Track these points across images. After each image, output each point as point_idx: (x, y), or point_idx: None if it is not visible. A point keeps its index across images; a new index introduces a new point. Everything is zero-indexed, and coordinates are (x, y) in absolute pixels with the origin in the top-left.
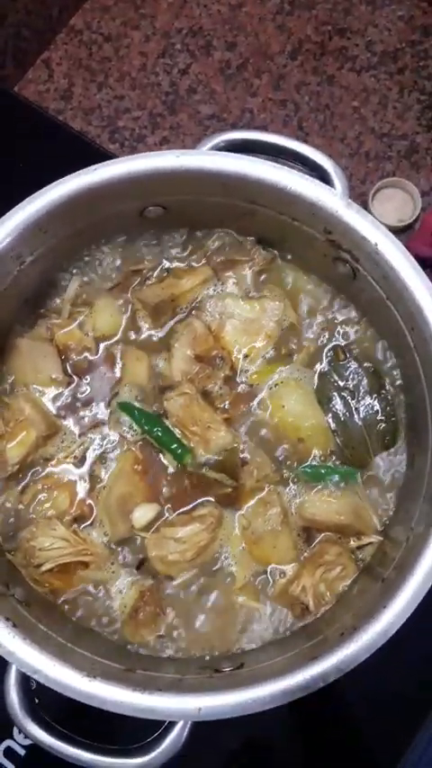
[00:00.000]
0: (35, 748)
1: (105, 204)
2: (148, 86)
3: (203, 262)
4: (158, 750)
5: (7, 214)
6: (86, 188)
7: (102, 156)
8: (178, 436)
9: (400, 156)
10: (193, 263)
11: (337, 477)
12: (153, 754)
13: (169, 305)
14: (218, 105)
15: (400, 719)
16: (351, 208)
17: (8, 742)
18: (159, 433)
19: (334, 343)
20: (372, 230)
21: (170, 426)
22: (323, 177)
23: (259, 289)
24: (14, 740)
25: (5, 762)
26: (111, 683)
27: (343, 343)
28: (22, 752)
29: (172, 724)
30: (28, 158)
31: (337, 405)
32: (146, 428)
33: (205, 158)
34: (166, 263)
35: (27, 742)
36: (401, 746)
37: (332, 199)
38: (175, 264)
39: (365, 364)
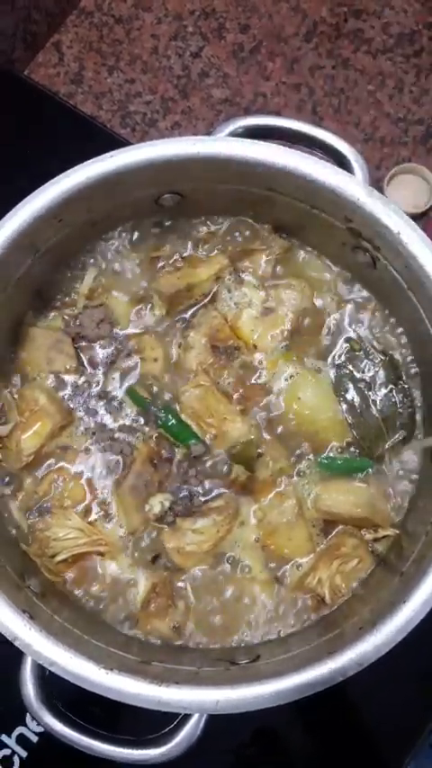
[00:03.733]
0: (47, 735)
1: (121, 192)
2: (159, 70)
3: (220, 250)
4: (174, 742)
5: (21, 203)
6: (102, 176)
7: (114, 141)
8: (193, 428)
9: (416, 141)
10: (210, 252)
11: (353, 470)
12: (169, 746)
13: (185, 295)
14: (230, 89)
15: (408, 713)
16: (373, 195)
17: (21, 729)
18: (173, 425)
19: (351, 334)
20: (394, 219)
21: (185, 418)
22: (341, 163)
23: (276, 278)
24: (27, 727)
25: (18, 749)
26: (128, 675)
27: (361, 333)
28: (34, 739)
29: (187, 716)
30: (39, 143)
31: (354, 396)
32: (160, 421)
33: (223, 145)
34: (182, 252)
35: (39, 729)
36: (408, 741)
37: (354, 186)
38: (191, 253)
39: (381, 355)
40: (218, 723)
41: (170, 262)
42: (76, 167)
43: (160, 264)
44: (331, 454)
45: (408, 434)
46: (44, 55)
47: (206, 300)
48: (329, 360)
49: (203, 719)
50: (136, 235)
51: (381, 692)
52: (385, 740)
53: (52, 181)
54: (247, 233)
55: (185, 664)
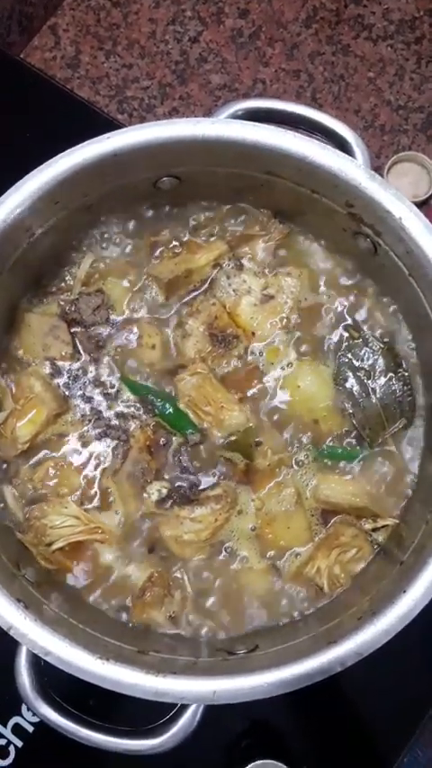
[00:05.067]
0: (43, 725)
1: (118, 174)
2: (157, 55)
3: (218, 236)
4: (171, 732)
5: (17, 184)
6: (99, 157)
7: (111, 126)
8: (190, 416)
9: (416, 129)
10: (208, 238)
11: (352, 459)
12: (165, 737)
13: (183, 281)
14: (229, 75)
15: (406, 704)
16: (375, 180)
17: (16, 719)
18: (170, 414)
19: (350, 321)
20: (397, 204)
21: (182, 407)
22: (342, 148)
23: (275, 264)
24: (23, 717)
25: (14, 738)
26: (124, 665)
27: (360, 320)
28: (30, 728)
29: (184, 706)
30: (35, 128)
31: (353, 385)
32: (156, 409)
33: (224, 127)
34: (181, 237)
35: (35, 719)
36: (406, 732)
37: (356, 170)
38: (189, 238)
39: (381, 343)
40: (214, 713)
41: (168, 247)
42: (72, 149)
43: (158, 250)
44: (330, 443)
45: (408, 422)
46: (40, 38)
47: (205, 287)
48: (329, 348)
49: (201, 710)
50: (133, 220)
51: (378, 683)
52: (382, 730)
53: (48, 162)
54: (246, 218)
55: (182, 654)
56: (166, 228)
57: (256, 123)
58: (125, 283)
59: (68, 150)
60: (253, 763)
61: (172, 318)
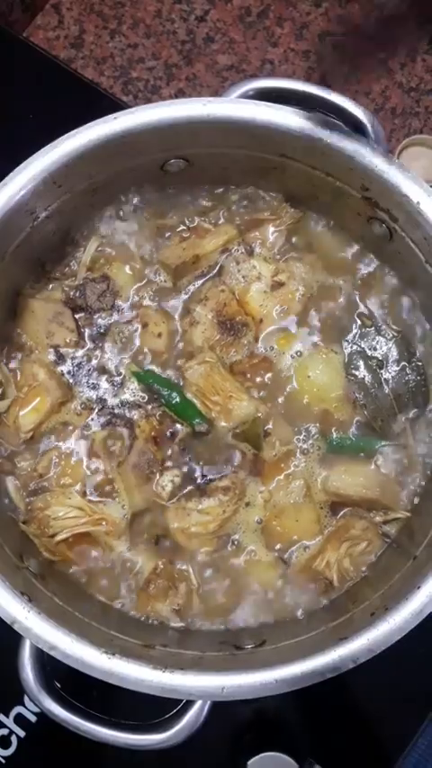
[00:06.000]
0: (46, 716)
1: (125, 156)
2: (163, 34)
3: (227, 220)
4: (178, 727)
5: (20, 166)
6: (106, 138)
7: (116, 108)
8: (198, 406)
9: (428, 111)
10: (216, 222)
11: (363, 450)
12: (172, 732)
13: (191, 266)
14: (236, 56)
15: (413, 695)
16: (392, 163)
17: (19, 708)
18: (177, 403)
19: (362, 309)
20: (414, 188)
21: (190, 396)
22: (357, 131)
23: (286, 250)
24: (25, 707)
25: (16, 728)
26: (130, 660)
27: (373, 308)
28: (33, 718)
29: (191, 701)
30: (38, 109)
31: (365, 374)
32: (163, 398)
33: (235, 107)
34: (189, 221)
35: (38, 709)
36: (410, 728)
37: (372, 153)
38: (198, 222)
39: (394, 332)
40: (221, 707)
41: (176, 231)
42: (77, 129)
43: (166, 234)
44: (341, 434)
45: (420, 413)
46: (43, 17)
47: (213, 273)
48: (340, 336)
49: (208, 705)
50: (140, 203)
51: (386, 676)
52: (389, 724)
53: (52, 144)
54: (257, 202)
55: (189, 648)
56: (174, 212)
57: (270, 103)
58: (131, 269)
59: (74, 131)
60: (258, 756)
61: (179, 305)
